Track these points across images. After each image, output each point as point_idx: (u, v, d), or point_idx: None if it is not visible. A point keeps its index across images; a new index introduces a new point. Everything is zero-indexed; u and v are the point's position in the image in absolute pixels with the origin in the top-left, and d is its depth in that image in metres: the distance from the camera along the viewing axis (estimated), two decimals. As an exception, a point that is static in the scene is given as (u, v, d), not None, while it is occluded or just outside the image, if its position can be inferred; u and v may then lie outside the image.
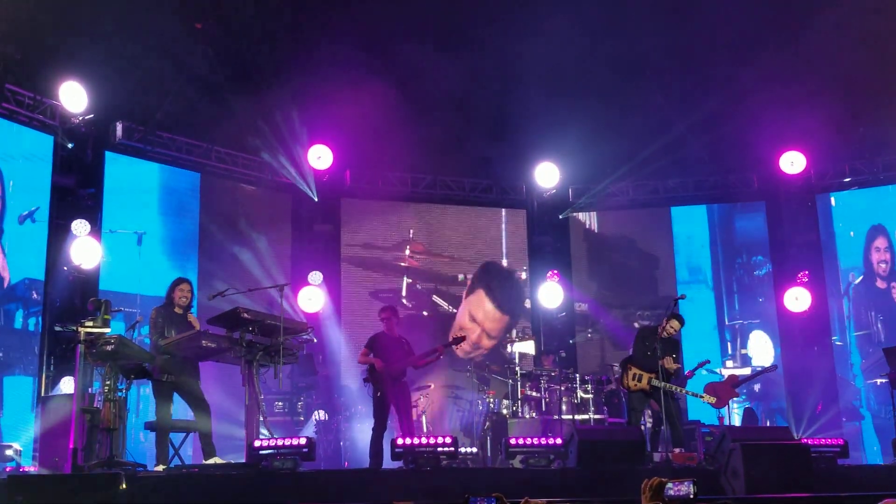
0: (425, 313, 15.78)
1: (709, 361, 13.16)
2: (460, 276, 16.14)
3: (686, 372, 12.75)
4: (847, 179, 15.46)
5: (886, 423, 14.46)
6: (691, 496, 3.76)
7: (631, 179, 16.12)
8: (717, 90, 14.38)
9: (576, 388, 12.76)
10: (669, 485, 3.83)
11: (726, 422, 12.62)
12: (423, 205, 16.26)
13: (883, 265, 15.31)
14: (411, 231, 16.04)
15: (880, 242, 15.37)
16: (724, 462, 8.88)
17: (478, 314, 15.83)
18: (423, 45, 13.83)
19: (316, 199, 14.76)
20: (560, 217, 16.28)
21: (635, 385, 10.56)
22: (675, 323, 10.66)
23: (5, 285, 11.97)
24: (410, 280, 15.92)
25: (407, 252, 15.95)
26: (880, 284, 15.32)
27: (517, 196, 16.51)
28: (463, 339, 11.12)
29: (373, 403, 10.44)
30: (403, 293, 15.74)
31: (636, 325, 15.21)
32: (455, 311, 15.86)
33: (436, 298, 15.90)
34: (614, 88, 14.41)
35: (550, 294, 15.51)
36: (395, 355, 10.47)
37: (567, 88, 14.36)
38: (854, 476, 9.77)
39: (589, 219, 16.78)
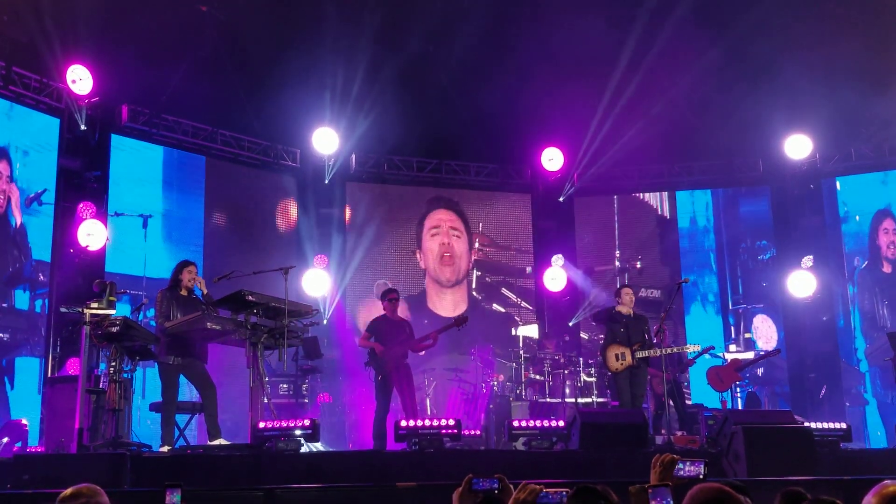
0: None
1: (713, 348, 13.22)
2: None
3: (688, 359, 12.81)
4: (852, 163, 15.40)
5: (891, 407, 14.51)
6: (701, 477, 3.73)
7: (636, 163, 16.12)
8: (722, 75, 14.34)
9: (579, 371, 12.81)
10: (680, 464, 3.79)
11: (729, 405, 12.66)
12: (431, 188, 16.26)
13: (892, 248, 15.27)
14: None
15: (888, 224, 15.32)
16: (725, 445, 8.91)
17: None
18: (429, 30, 13.80)
19: (326, 182, 14.84)
20: (560, 199, 16.23)
21: (621, 364, 10.60)
22: (626, 291, 10.91)
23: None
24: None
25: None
26: (886, 269, 15.30)
27: (522, 180, 16.51)
28: (465, 319, 11.16)
29: (374, 387, 10.52)
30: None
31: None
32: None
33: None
34: (620, 72, 14.37)
35: (555, 278, 15.52)
36: (397, 338, 10.54)
37: (573, 72, 14.32)
38: (857, 460, 9.77)
39: (596, 202, 16.73)
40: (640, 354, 10.53)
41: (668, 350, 10.80)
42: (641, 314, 11.17)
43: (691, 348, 11.57)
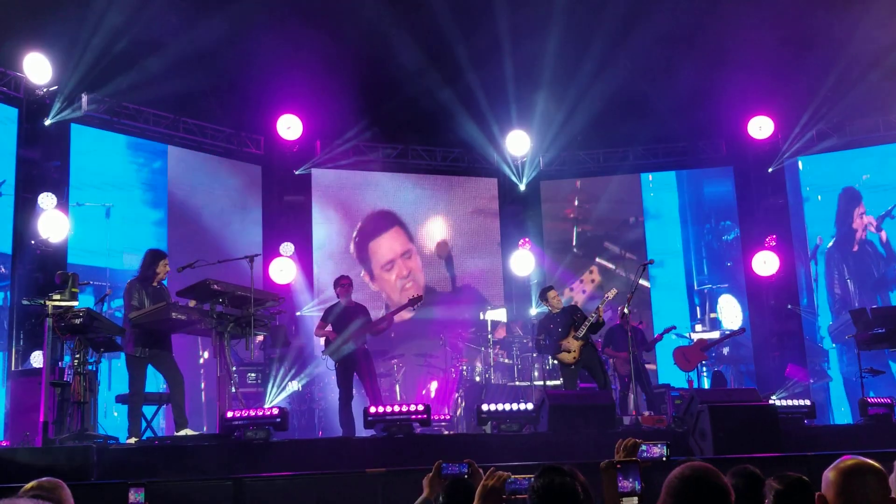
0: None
1: (675, 327, 13.39)
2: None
3: (654, 336, 12.95)
4: (814, 144, 15.52)
5: (855, 384, 14.71)
6: (664, 458, 3.79)
7: (602, 146, 16.17)
8: (687, 56, 14.39)
9: (547, 354, 12.84)
10: (643, 447, 3.85)
11: (695, 385, 12.79)
12: (398, 175, 16.18)
13: (867, 230, 15.40)
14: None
15: (863, 208, 15.46)
16: (692, 424, 8.98)
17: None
18: (385, 15, 13.72)
19: (296, 172, 14.77)
20: (522, 189, 16.25)
21: (575, 354, 10.64)
22: (551, 294, 10.88)
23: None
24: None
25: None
26: (854, 247, 15.46)
27: (489, 165, 16.49)
28: (419, 299, 11.14)
29: (336, 374, 10.49)
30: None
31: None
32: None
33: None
34: (585, 54, 14.37)
35: (522, 262, 15.54)
36: (353, 324, 10.51)
37: (536, 55, 14.32)
38: (820, 436, 9.90)
39: (561, 186, 16.75)
40: (582, 331, 10.55)
41: (595, 317, 10.65)
42: (569, 305, 11.18)
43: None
